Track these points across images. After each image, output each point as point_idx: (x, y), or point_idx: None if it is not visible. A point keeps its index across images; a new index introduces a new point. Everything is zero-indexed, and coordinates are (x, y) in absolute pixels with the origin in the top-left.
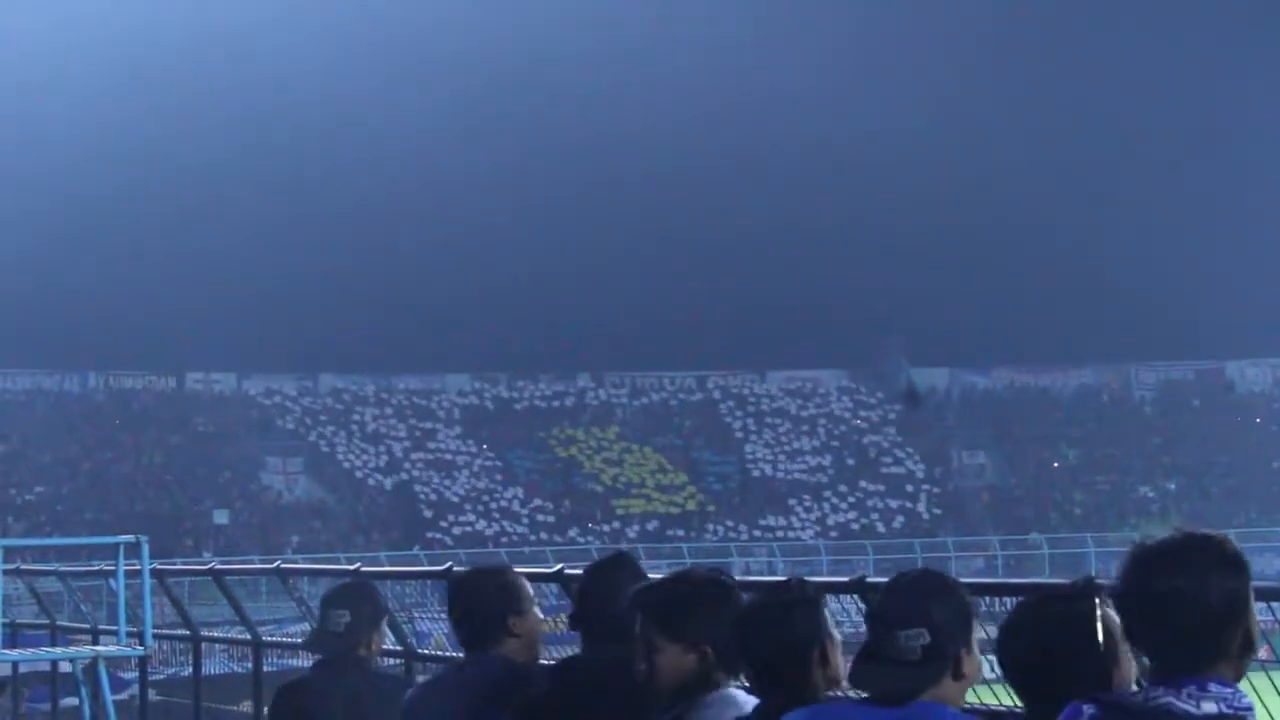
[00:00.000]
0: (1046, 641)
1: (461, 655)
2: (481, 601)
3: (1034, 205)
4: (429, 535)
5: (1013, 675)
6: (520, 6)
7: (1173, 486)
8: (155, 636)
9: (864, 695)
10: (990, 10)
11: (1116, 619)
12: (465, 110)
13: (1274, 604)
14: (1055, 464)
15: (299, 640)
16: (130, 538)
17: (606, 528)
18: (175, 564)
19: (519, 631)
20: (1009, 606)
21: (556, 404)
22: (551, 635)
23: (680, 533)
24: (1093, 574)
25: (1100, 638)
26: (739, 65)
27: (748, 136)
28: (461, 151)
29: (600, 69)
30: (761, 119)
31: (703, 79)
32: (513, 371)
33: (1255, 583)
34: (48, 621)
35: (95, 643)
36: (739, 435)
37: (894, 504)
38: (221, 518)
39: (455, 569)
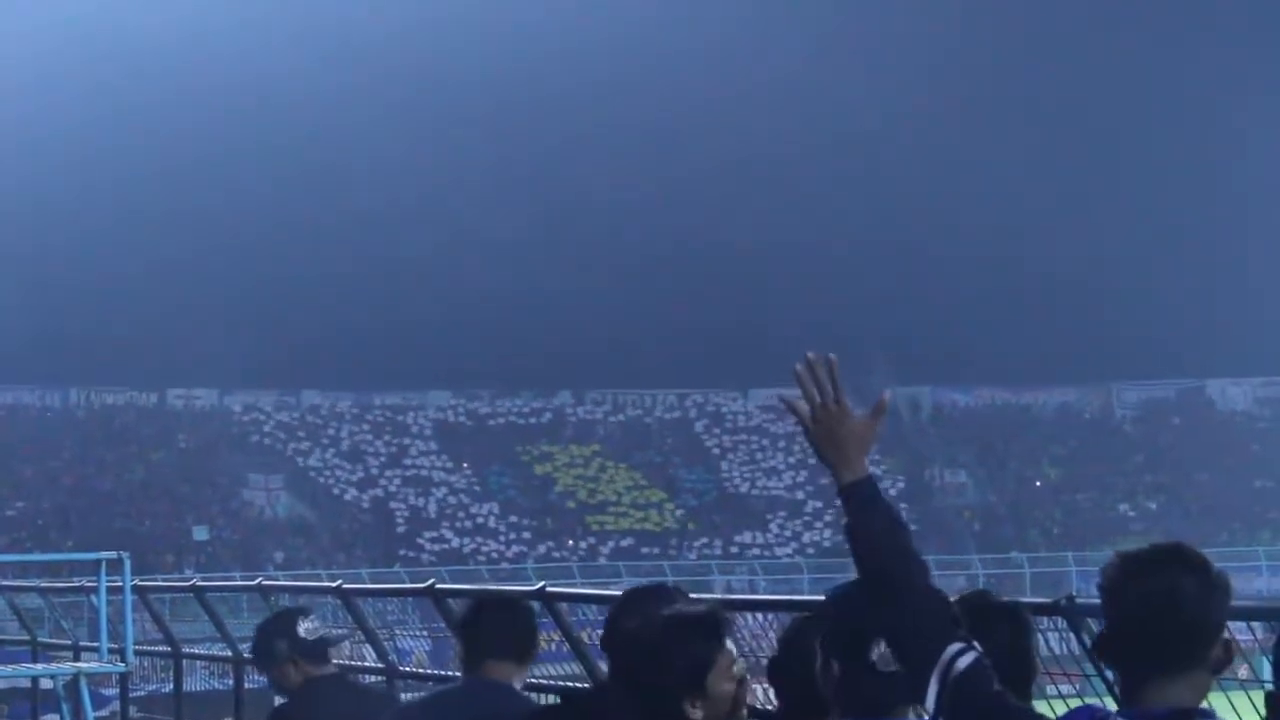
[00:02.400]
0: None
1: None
2: (528, 620)
3: (1016, 225)
4: (405, 552)
5: None
6: (506, 27)
7: (1154, 505)
8: (136, 653)
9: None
10: (974, 36)
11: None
12: (446, 127)
13: (1254, 623)
14: (1037, 482)
15: None
16: (112, 554)
17: (584, 544)
18: (157, 580)
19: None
20: None
21: (535, 421)
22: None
23: (657, 550)
24: (1072, 595)
25: None
26: (722, 84)
27: (728, 156)
28: (443, 168)
29: (582, 88)
30: (740, 137)
31: (684, 98)
32: (492, 388)
33: (1238, 602)
34: (29, 638)
35: (76, 659)
36: (716, 452)
37: None
38: (203, 534)
39: (438, 586)
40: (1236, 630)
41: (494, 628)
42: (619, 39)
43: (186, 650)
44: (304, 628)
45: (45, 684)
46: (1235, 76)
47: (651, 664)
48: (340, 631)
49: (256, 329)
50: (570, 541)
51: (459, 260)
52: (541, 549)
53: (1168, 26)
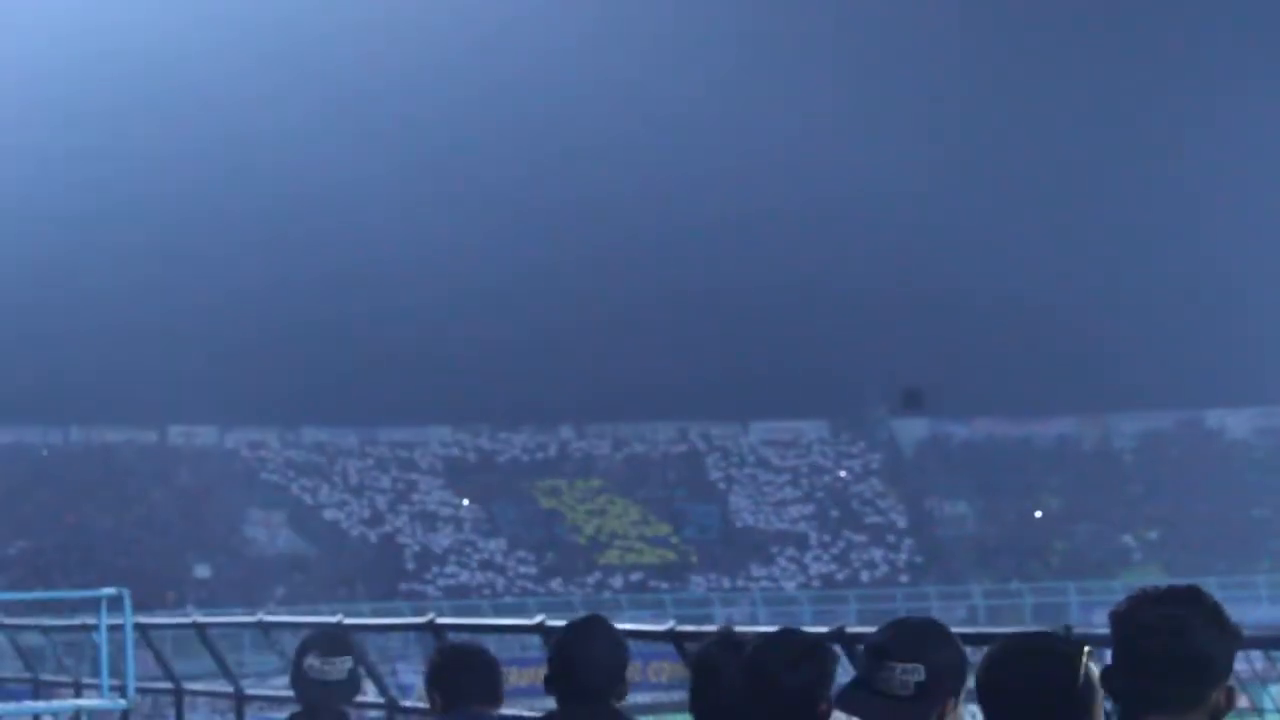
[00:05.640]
0: (1032, 690)
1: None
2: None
3: (1014, 258)
4: (412, 587)
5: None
6: (513, 74)
7: (1153, 535)
8: (138, 690)
9: None
10: (969, 79)
11: (1096, 672)
12: (448, 170)
13: (1254, 652)
14: (1036, 513)
15: (282, 692)
16: (113, 591)
17: (590, 579)
18: (158, 617)
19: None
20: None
21: (539, 455)
22: (534, 687)
23: (664, 584)
24: (1069, 626)
25: (1082, 690)
26: (726, 127)
27: (731, 195)
28: (444, 209)
29: (586, 131)
30: (744, 179)
31: (688, 142)
32: (495, 423)
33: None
34: (30, 675)
35: (78, 696)
36: (721, 486)
37: (877, 554)
38: (204, 571)
39: (438, 620)
40: (1235, 659)
41: (459, 677)
42: (624, 88)
43: (188, 687)
44: (310, 664)
45: None
46: (1227, 112)
47: None
48: (341, 668)
49: (257, 366)
50: (577, 576)
51: (460, 297)
52: (549, 584)
53: (1163, 68)
